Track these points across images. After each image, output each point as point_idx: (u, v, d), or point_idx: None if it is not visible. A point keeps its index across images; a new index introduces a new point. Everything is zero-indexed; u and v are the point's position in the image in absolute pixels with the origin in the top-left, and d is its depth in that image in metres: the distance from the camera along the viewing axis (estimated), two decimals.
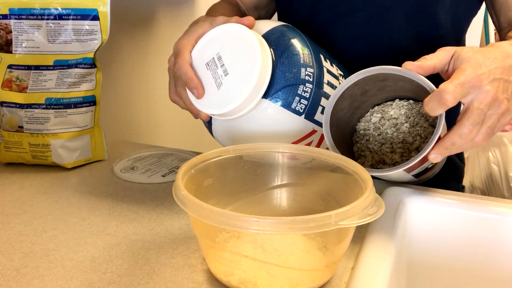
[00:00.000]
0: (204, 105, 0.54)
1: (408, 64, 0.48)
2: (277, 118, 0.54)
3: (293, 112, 0.54)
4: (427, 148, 0.47)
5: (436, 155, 0.47)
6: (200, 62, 0.55)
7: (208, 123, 0.59)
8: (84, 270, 0.43)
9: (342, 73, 0.62)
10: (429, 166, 0.54)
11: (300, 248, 0.43)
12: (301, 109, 0.54)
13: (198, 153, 0.59)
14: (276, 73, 0.53)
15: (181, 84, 0.55)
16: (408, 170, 0.50)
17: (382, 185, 0.60)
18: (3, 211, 0.55)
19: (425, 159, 0.48)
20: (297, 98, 0.53)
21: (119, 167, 0.69)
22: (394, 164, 0.53)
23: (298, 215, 0.34)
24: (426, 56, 0.49)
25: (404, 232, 0.54)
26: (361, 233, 0.49)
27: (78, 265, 0.44)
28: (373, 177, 0.43)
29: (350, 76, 0.51)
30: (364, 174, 0.42)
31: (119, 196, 0.59)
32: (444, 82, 0.45)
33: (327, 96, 0.56)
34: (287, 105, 0.53)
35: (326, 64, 0.58)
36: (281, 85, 0.53)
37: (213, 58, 0.54)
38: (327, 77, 0.57)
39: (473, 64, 0.46)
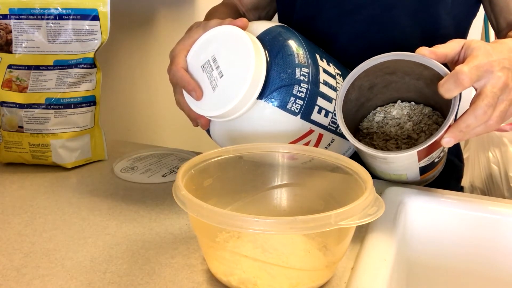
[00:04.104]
0: (200, 108, 0.54)
1: (422, 49, 0.49)
2: (274, 118, 0.54)
3: (289, 112, 0.54)
4: (442, 129, 0.47)
5: (449, 139, 0.47)
6: (196, 65, 0.55)
7: None
8: (84, 270, 0.43)
9: (340, 72, 0.62)
10: (436, 160, 0.54)
11: (300, 248, 0.43)
12: (297, 109, 0.54)
13: (198, 153, 0.59)
14: (271, 73, 0.53)
15: (179, 90, 0.56)
16: (420, 156, 0.50)
17: (382, 185, 0.60)
18: (3, 211, 0.55)
19: (437, 144, 0.48)
20: (292, 98, 0.53)
21: (119, 167, 0.69)
22: None
23: (298, 215, 0.34)
24: (438, 45, 0.50)
25: (404, 232, 0.54)
26: (361, 233, 0.49)
27: (78, 265, 0.44)
28: (373, 177, 0.43)
29: (365, 61, 0.51)
30: (364, 174, 0.42)
31: (119, 196, 0.59)
32: (459, 65, 0.46)
33: (323, 96, 0.56)
34: (282, 106, 0.53)
35: (322, 64, 0.58)
36: (276, 85, 0.53)
37: (208, 60, 0.54)
38: (323, 77, 0.57)
39: (484, 52, 0.47)
